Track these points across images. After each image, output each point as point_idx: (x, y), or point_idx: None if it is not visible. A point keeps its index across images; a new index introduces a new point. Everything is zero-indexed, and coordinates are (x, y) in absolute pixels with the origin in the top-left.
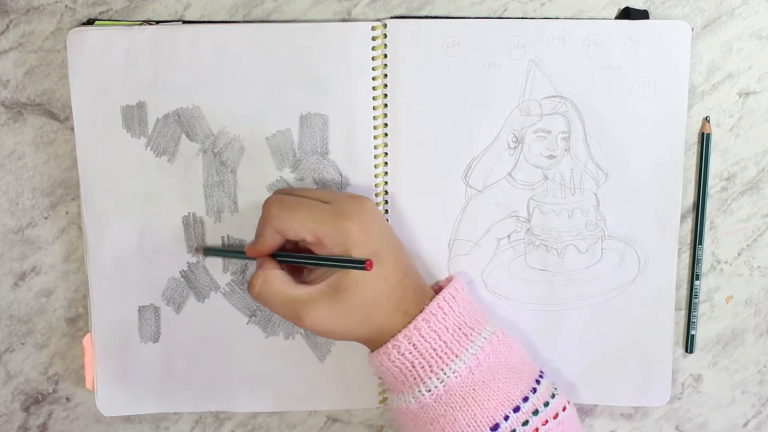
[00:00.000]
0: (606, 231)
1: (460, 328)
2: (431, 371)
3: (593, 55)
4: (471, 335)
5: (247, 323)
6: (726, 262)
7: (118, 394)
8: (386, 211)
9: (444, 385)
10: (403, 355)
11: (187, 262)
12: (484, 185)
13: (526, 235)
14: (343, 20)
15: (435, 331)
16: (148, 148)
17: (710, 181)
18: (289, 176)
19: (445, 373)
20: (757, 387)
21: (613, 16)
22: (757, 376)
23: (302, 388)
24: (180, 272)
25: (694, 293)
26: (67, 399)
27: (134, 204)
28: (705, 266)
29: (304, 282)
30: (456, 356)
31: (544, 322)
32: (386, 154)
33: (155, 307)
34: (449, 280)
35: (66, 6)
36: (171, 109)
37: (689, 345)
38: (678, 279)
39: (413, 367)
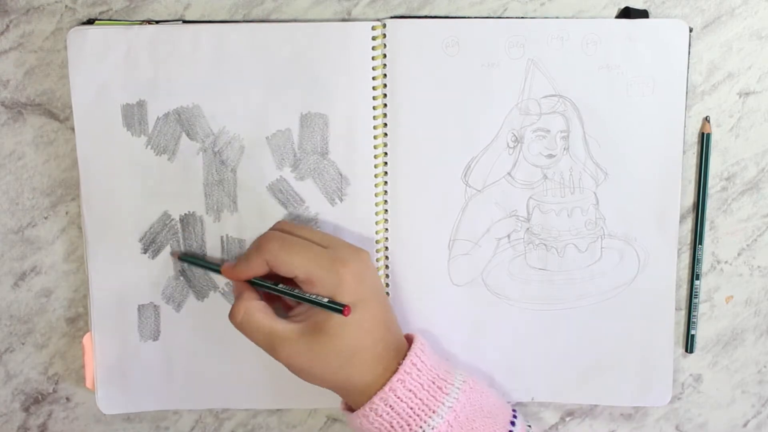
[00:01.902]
0: (605, 230)
1: (434, 382)
2: (410, 430)
3: (592, 54)
4: (445, 387)
5: None
6: (726, 262)
7: (118, 392)
8: (386, 211)
9: None
10: (381, 416)
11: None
12: (483, 185)
13: (526, 234)
14: (343, 20)
15: (410, 390)
16: (149, 146)
17: (710, 181)
18: (289, 176)
19: (424, 430)
20: (757, 387)
21: (614, 16)
22: (757, 376)
23: (302, 386)
24: (180, 271)
25: (694, 293)
26: (67, 399)
27: (134, 203)
28: (705, 266)
29: (288, 317)
30: (433, 412)
31: (544, 322)
32: (386, 153)
33: (155, 306)
34: (411, 337)
35: (66, 6)
36: (171, 108)
37: (689, 345)
38: (678, 279)
39: (392, 427)
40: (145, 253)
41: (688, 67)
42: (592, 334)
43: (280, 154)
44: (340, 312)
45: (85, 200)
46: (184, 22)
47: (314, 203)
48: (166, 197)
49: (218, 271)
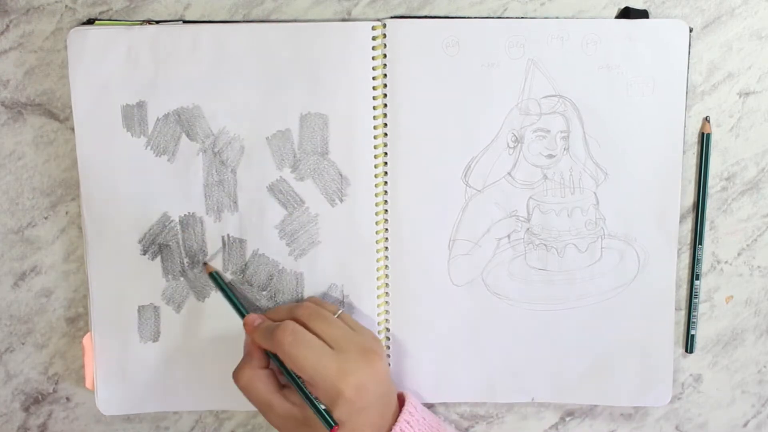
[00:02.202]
0: (606, 230)
1: None
2: None
3: (592, 54)
4: None
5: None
6: (726, 262)
7: (118, 393)
8: (386, 211)
9: None
10: None
11: (187, 262)
12: (483, 185)
13: (526, 234)
14: (343, 20)
15: None
16: (148, 147)
17: (710, 181)
18: (289, 176)
19: None
20: (757, 387)
21: (613, 16)
22: (757, 376)
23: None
24: (180, 272)
25: (694, 293)
26: (67, 399)
27: (134, 204)
28: (705, 266)
29: (288, 388)
30: None
31: (544, 322)
32: (386, 153)
33: (155, 307)
34: (402, 399)
35: (66, 6)
36: (171, 108)
37: (689, 345)
38: (678, 279)
39: None
40: (144, 254)
41: (688, 67)
42: (592, 334)
43: (280, 154)
44: (330, 426)
45: (84, 201)
46: (184, 22)
47: (314, 204)
48: (166, 198)
49: (241, 315)
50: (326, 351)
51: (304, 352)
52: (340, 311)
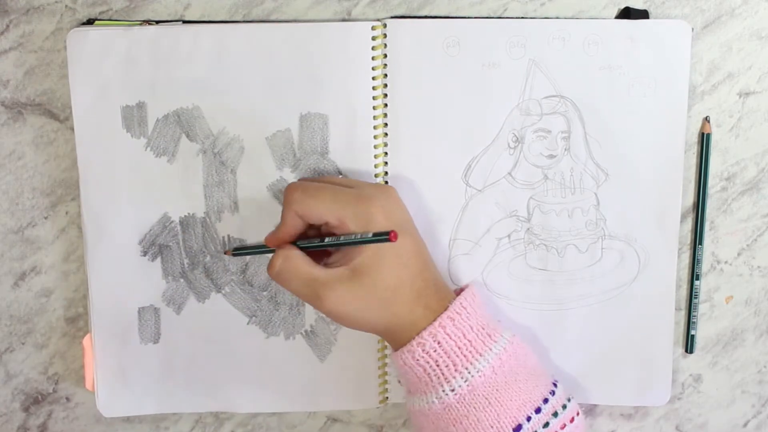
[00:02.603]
0: (606, 230)
1: (483, 329)
2: (456, 370)
3: (593, 54)
4: (494, 336)
5: (248, 324)
6: (726, 262)
7: (118, 395)
8: None
9: (468, 385)
10: (427, 353)
11: (188, 263)
12: (484, 185)
13: (526, 234)
14: (343, 20)
15: (460, 330)
16: (148, 148)
17: (710, 181)
18: (289, 176)
19: (469, 372)
20: (757, 387)
21: (613, 16)
22: (757, 376)
23: (302, 389)
24: (180, 273)
25: (694, 293)
26: (67, 399)
27: (134, 204)
28: (705, 266)
29: (324, 264)
30: (480, 355)
31: (544, 322)
32: (386, 153)
33: (155, 308)
34: (464, 287)
35: (66, 6)
36: (171, 109)
37: (689, 345)
38: (678, 279)
39: (437, 365)
40: (144, 255)
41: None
42: (592, 334)
43: (280, 154)
44: (387, 240)
45: (84, 203)
46: (184, 22)
47: None
48: (166, 199)
49: (270, 250)
50: (340, 189)
51: (321, 194)
52: (340, 176)
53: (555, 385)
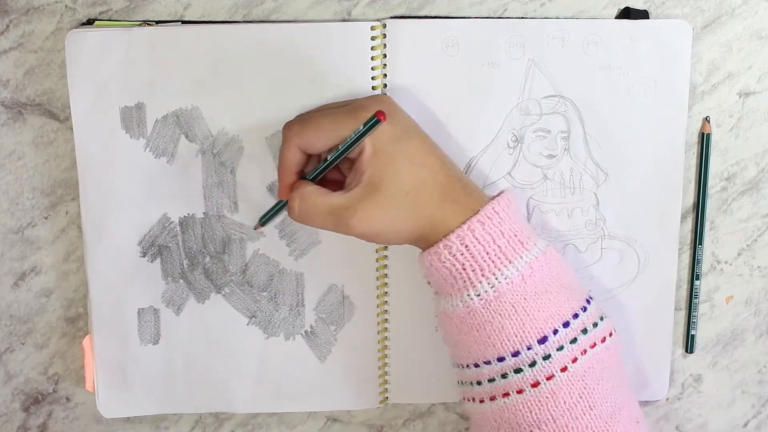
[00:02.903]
0: (606, 230)
1: (515, 236)
2: (482, 275)
3: (593, 54)
4: (526, 244)
5: (248, 324)
6: (726, 262)
7: (118, 396)
8: None
9: (494, 291)
10: (453, 256)
11: (187, 264)
12: (483, 184)
13: None
14: (343, 20)
15: (490, 234)
16: (147, 149)
17: (710, 181)
18: None
19: (496, 278)
20: (757, 387)
21: (613, 16)
22: (757, 376)
23: (302, 389)
24: (180, 274)
25: (694, 293)
26: (67, 399)
27: (134, 205)
28: (705, 266)
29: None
30: (510, 262)
31: None
32: None
33: (155, 310)
34: (500, 193)
35: (66, 6)
36: (170, 110)
37: (689, 345)
38: (678, 279)
39: (464, 269)
40: (144, 256)
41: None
42: None
43: None
44: (377, 121)
45: (83, 204)
46: (184, 22)
47: None
48: (166, 200)
49: (281, 202)
50: (335, 110)
51: (317, 120)
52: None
53: (588, 301)
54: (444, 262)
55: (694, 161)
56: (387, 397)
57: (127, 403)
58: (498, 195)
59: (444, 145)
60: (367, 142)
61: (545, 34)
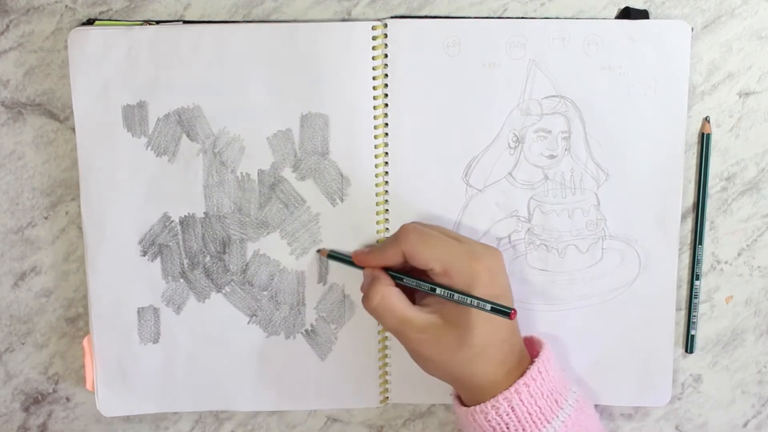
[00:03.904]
0: (606, 231)
1: (551, 394)
2: None
3: (593, 54)
4: (560, 401)
5: (248, 323)
6: (726, 262)
7: (118, 395)
8: (386, 211)
9: None
10: (500, 416)
11: (187, 263)
12: (484, 185)
13: (527, 234)
14: (343, 20)
15: (532, 396)
16: (149, 148)
17: (710, 181)
18: (290, 176)
19: None
20: (757, 387)
21: (613, 16)
22: (757, 376)
23: (303, 388)
24: (180, 273)
25: (694, 293)
26: (67, 399)
27: (134, 204)
28: (705, 266)
29: (416, 305)
30: (548, 422)
31: (545, 322)
32: (386, 153)
33: (155, 309)
34: (538, 341)
35: (66, 6)
36: (172, 108)
37: (689, 345)
38: (678, 279)
39: (507, 428)
40: (144, 255)
41: (689, 68)
42: (593, 334)
43: (280, 154)
44: (507, 316)
45: (84, 202)
46: (184, 22)
47: (315, 203)
48: (167, 198)
49: (351, 262)
50: (453, 241)
51: (433, 242)
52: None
53: None
54: (490, 421)
55: (694, 161)
56: (387, 397)
57: (127, 402)
58: (539, 354)
59: (445, 145)
60: (466, 287)
61: (546, 34)
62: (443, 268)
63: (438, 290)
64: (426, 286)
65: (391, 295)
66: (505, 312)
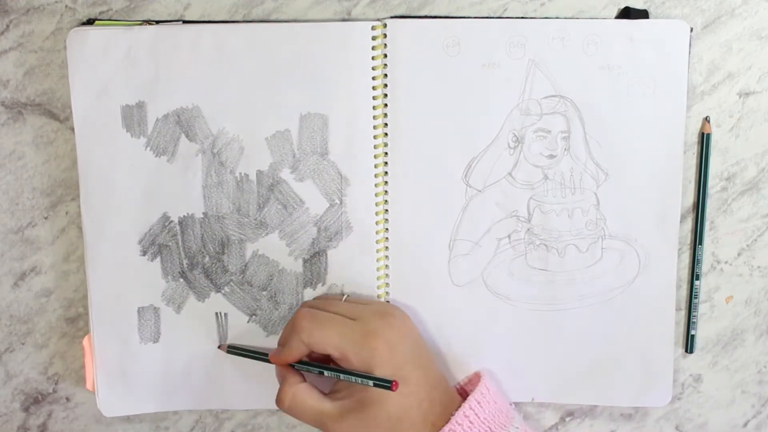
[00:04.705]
0: (606, 230)
1: None
2: None
3: (592, 54)
4: None
5: (248, 322)
6: (726, 262)
7: (118, 394)
8: (386, 211)
9: None
10: None
11: (187, 263)
12: (484, 185)
13: (527, 234)
14: (343, 20)
15: None
16: (148, 148)
17: (710, 181)
18: (288, 177)
19: None
20: (757, 387)
21: (613, 16)
22: (757, 376)
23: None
24: (180, 273)
25: (694, 293)
26: (67, 399)
27: (134, 204)
28: (705, 266)
29: (330, 392)
30: None
31: (545, 322)
32: (386, 154)
33: (155, 308)
34: (476, 379)
35: (66, 6)
36: (171, 109)
37: (689, 345)
38: (678, 279)
39: None
40: (144, 255)
41: (688, 68)
42: (593, 334)
43: (279, 154)
44: (388, 388)
45: (84, 202)
46: (184, 22)
47: (314, 204)
48: (166, 199)
49: (266, 360)
50: (346, 321)
51: (327, 326)
52: (345, 296)
53: None
54: None
55: (694, 161)
56: None
57: (127, 402)
58: (472, 387)
59: (444, 145)
60: (366, 367)
61: (545, 34)
62: (341, 353)
63: (326, 372)
64: (315, 371)
65: (301, 393)
66: (386, 385)
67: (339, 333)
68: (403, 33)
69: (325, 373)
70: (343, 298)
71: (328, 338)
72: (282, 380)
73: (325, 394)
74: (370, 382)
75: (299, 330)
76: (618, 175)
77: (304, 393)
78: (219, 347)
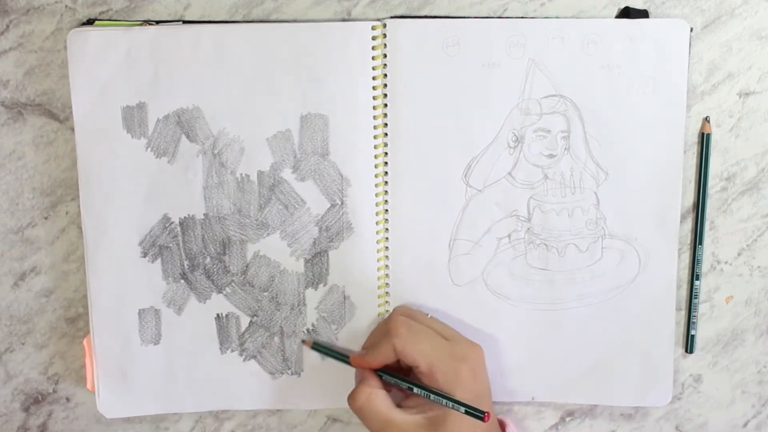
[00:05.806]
0: (606, 230)
1: None
2: None
3: (592, 54)
4: None
5: (249, 323)
6: (726, 262)
7: (119, 396)
8: (386, 211)
9: None
10: None
11: (188, 264)
12: (484, 185)
13: (527, 234)
14: (343, 20)
15: None
16: (149, 149)
17: (710, 181)
18: (289, 177)
19: None
20: (757, 387)
21: (613, 16)
22: (757, 376)
23: (303, 387)
24: (180, 274)
25: (694, 293)
26: (67, 399)
27: (134, 205)
28: (705, 266)
29: (400, 404)
30: None
31: (545, 322)
32: (386, 154)
33: (155, 310)
34: (504, 425)
35: (66, 6)
36: (171, 109)
37: (689, 345)
38: (678, 279)
39: None
40: (145, 256)
41: (688, 67)
42: (593, 334)
43: (280, 155)
44: (481, 419)
45: (84, 204)
46: (184, 22)
47: (315, 204)
48: (166, 200)
49: (347, 361)
50: (440, 338)
51: (422, 339)
52: (429, 315)
53: None
54: None
55: (694, 161)
56: None
57: (127, 403)
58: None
59: (444, 145)
60: (449, 387)
61: (545, 33)
62: (429, 368)
63: (415, 389)
64: (404, 385)
65: (376, 397)
66: (479, 416)
67: (432, 348)
68: (403, 33)
69: (415, 390)
70: (428, 316)
71: (421, 350)
72: (361, 380)
73: (396, 405)
74: (462, 409)
75: (394, 335)
76: (618, 174)
77: (380, 398)
78: (303, 342)
